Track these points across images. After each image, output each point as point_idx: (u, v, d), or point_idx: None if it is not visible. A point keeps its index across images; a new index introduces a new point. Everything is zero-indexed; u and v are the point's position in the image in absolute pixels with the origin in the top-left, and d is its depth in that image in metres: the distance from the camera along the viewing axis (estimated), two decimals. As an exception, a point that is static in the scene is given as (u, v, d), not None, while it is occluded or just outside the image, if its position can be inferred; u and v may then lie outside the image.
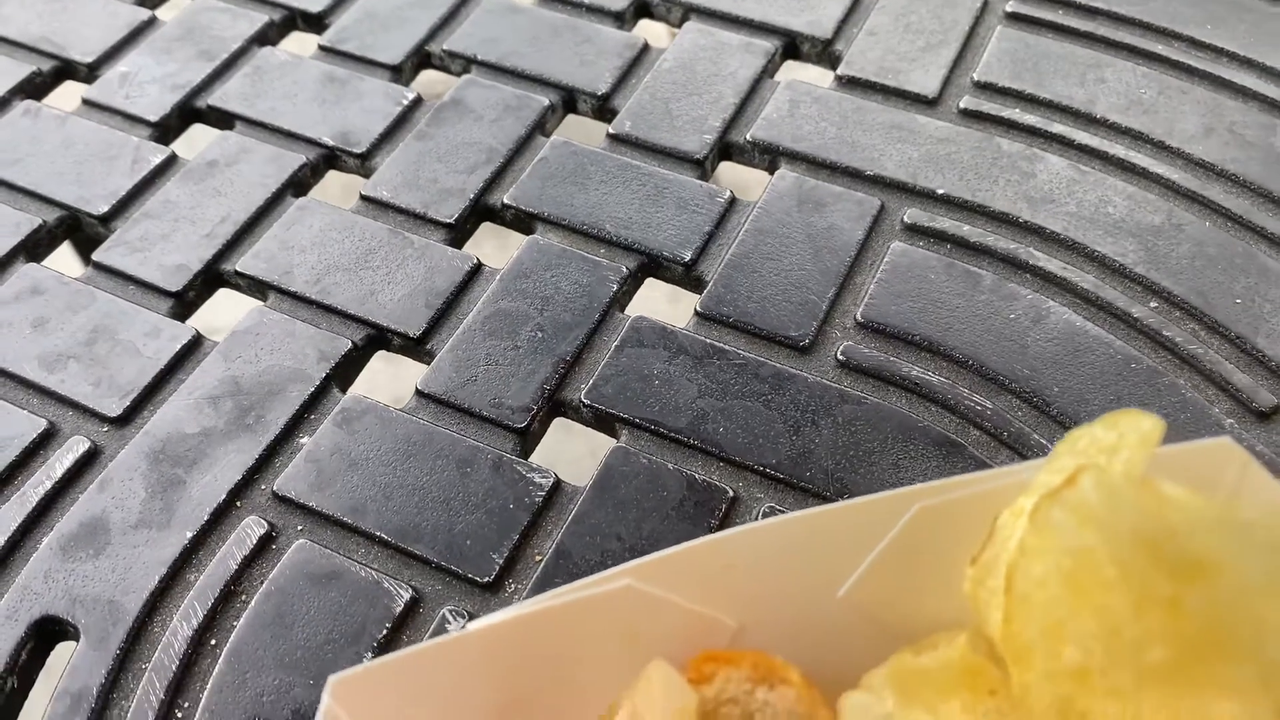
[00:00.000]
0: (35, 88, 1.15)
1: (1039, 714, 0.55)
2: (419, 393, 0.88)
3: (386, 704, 0.56)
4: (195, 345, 0.92)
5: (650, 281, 1.00)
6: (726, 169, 1.10)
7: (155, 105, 1.11)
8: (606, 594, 0.60)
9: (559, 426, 0.90)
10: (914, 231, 0.98)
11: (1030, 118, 1.06)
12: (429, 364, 0.90)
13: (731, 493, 0.81)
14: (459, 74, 1.14)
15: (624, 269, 0.95)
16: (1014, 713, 0.58)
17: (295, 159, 1.05)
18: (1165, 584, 0.46)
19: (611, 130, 1.07)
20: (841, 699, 0.55)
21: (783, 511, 0.79)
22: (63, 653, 0.78)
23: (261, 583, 0.78)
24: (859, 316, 0.92)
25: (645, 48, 1.15)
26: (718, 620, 0.61)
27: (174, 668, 0.74)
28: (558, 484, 0.83)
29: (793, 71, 1.15)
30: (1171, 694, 0.47)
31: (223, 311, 1.02)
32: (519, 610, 0.59)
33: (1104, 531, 0.49)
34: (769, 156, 1.05)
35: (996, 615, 0.56)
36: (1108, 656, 0.51)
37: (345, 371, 0.91)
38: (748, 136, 1.06)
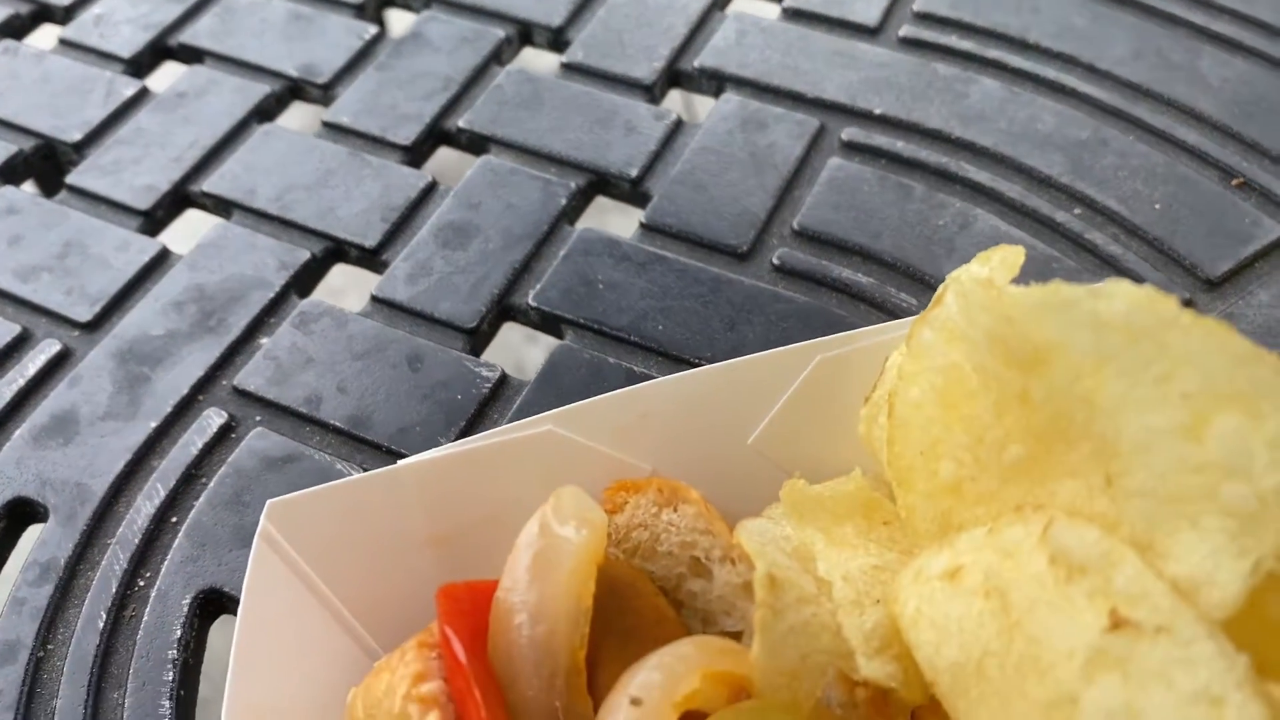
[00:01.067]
0: (14, 29, 1.20)
1: (923, 533, 0.60)
2: (374, 298, 0.93)
3: (320, 528, 0.60)
4: (163, 258, 0.97)
5: (600, 200, 1.04)
6: (676, 96, 1.14)
7: (128, 43, 1.16)
8: (529, 437, 0.64)
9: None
10: (851, 148, 1.02)
11: (967, 44, 1.10)
12: (384, 274, 0.95)
13: (668, 383, 0.86)
14: (419, 10, 1.19)
15: (573, 185, 1.00)
16: (904, 539, 0.63)
17: (261, 89, 1.10)
18: (1015, 378, 0.50)
19: (565, 59, 1.11)
20: (740, 524, 0.60)
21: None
22: (33, 536, 0.82)
23: (220, 466, 0.83)
24: (795, 225, 0.96)
25: (599, -16, 1.20)
26: (633, 464, 0.66)
27: (137, 541, 0.79)
28: (504, 378, 0.87)
29: (742, 4, 1.19)
30: (1026, 487, 0.52)
31: (189, 235, 1.06)
32: (447, 449, 0.64)
33: (966, 342, 0.53)
34: (716, 82, 1.10)
35: (886, 450, 0.61)
36: (976, 464, 0.55)
37: (304, 280, 0.95)
38: (696, 64, 1.10)
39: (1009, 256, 0.54)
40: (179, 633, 0.74)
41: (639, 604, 0.57)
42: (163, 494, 0.81)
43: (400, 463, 0.62)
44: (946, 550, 0.53)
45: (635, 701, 0.49)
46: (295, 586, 0.59)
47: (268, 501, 0.59)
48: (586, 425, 0.65)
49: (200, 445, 0.84)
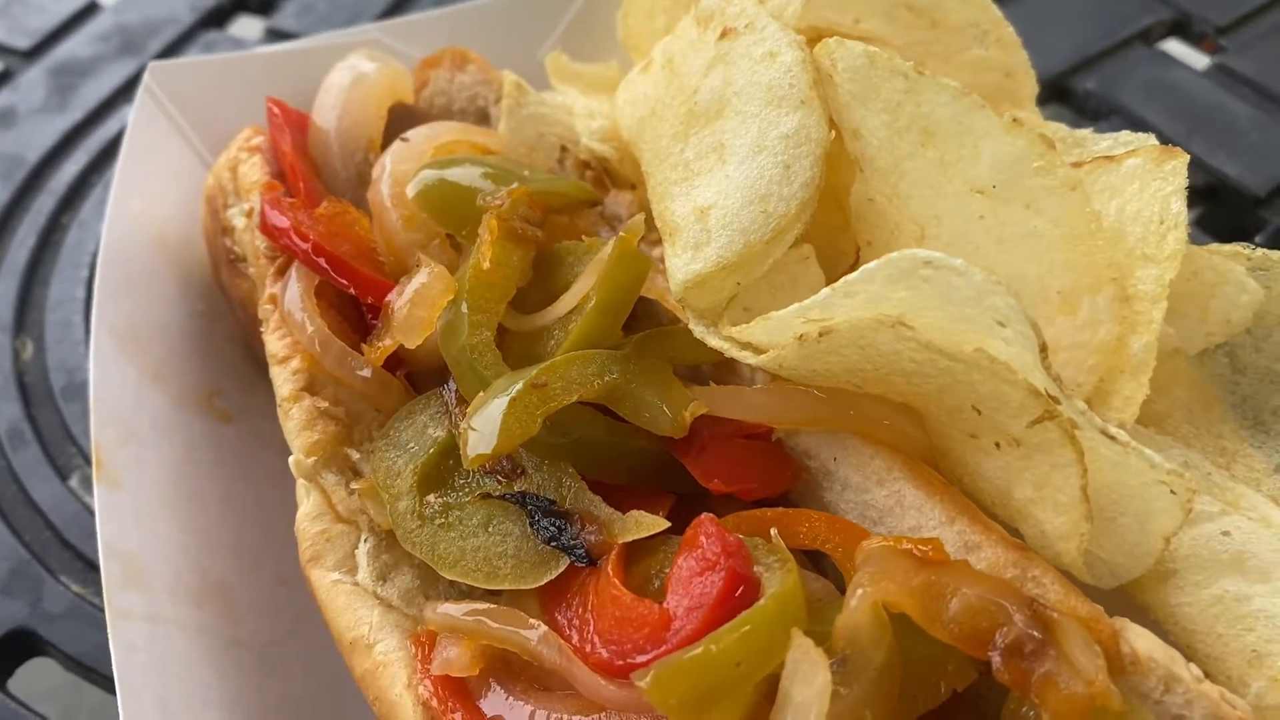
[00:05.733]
0: None
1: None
2: (267, 30, 1.11)
3: (189, 88, 0.78)
4: (93, 7, 1.14)
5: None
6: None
7: None
8: (359, 40, 0.82)
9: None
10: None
11: None
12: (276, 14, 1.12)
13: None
14: None
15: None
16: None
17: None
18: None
19: None
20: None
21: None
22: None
23: (135, 141, 1.00)
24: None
25: None
26: (443, 67, 0.83)
27: (62, 191, 0.96)
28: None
29: None
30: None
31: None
32: (293, 44, 0.81)
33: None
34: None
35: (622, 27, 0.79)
36: (675, 4, 0.73)
37: (211, 20, 1.13)
38: None
39: None
40: (93, 246, 0.92)
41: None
42: (86, 159, 0.99)
43: (256, 49, 0.80)
44: (646, 59, 0.71)
45: (404, 139, 0.67)
46: (167, 129, 0.77)
47: (150, 63, 0.77)
48: (405, 37, 0.83)
49: (118, 129, 1.01)
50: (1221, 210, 0.96)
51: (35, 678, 0.73)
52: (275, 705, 0.61)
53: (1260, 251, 0.60)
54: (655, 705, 0.44)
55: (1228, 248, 0.60)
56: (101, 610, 0.70)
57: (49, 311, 0.88)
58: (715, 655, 0.44)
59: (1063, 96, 1.04)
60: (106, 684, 0.71)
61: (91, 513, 0.76)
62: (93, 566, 0.74)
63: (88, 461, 0.79)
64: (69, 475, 0.80)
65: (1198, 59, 1.06)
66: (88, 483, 0.78)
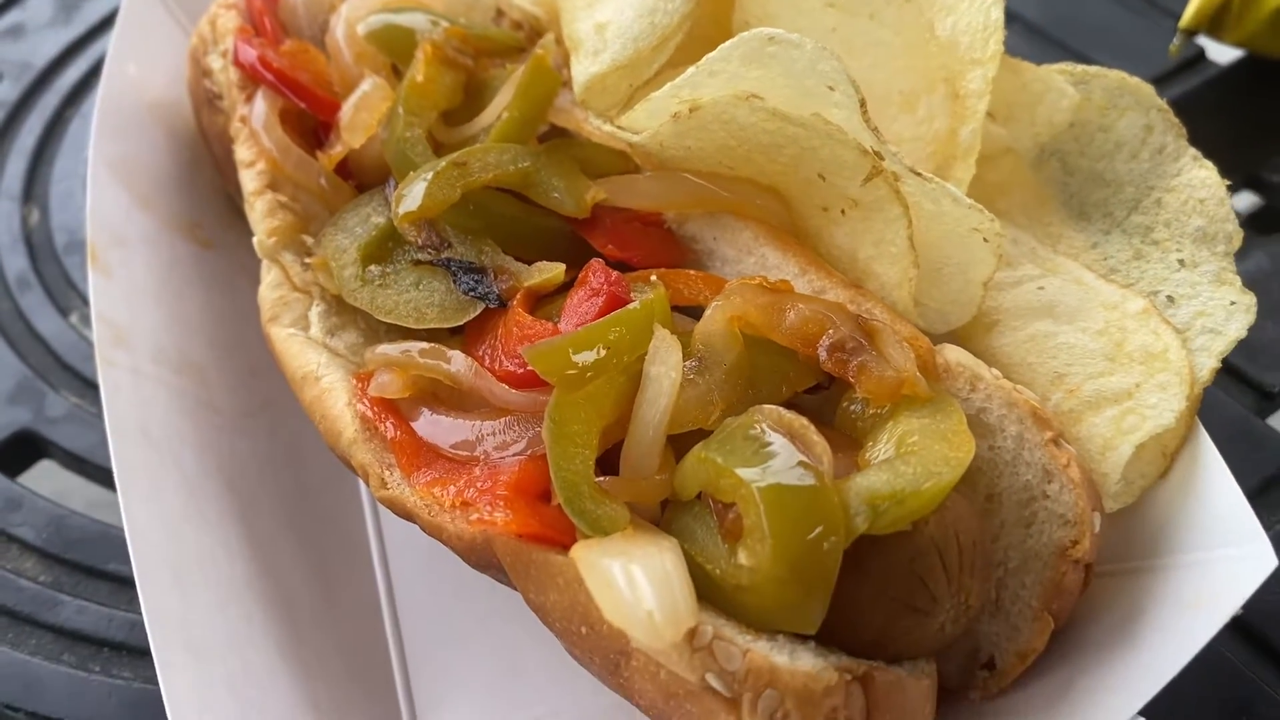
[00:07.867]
0: None
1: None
2: (255, -42, 1.22)
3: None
4: (96, -58, 1.26)
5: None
6: None
7: None
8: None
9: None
10: None
11: None
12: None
13: None
14: None
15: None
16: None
17: None
18: None
19: None
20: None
21: None
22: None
23: (134, 47, 1.11)
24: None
25: None
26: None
27: (67, 90, 1.07)
28: None
29: None
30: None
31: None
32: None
33: None
34: None
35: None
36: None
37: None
38: None
39: None
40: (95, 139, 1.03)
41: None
42: (87, 67, 1.10)
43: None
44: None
45: (352, -5, 0.78)
46: (159, 10, 0.88)
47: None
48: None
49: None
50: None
51: (39, 480, 0.84)
52: (241, 458, 0.71)
53: (1080, 67, 0.70)
54: (541, 374, 0.54)
55: (1055, 66, 0.71)
56: (96, 415, 0.80)
57: (53, 185, 1.00)
58: (588, 337, 0.55)
59: (970, 7, 1.15)
60: (103, 477, 0.81)
61: (89, 343, 0.87)
62: (89, 384, 0.85)
63: (85, 303, 0.90)
64: (69, 314, 0.90)
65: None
66: (86, 320, 0.89)
